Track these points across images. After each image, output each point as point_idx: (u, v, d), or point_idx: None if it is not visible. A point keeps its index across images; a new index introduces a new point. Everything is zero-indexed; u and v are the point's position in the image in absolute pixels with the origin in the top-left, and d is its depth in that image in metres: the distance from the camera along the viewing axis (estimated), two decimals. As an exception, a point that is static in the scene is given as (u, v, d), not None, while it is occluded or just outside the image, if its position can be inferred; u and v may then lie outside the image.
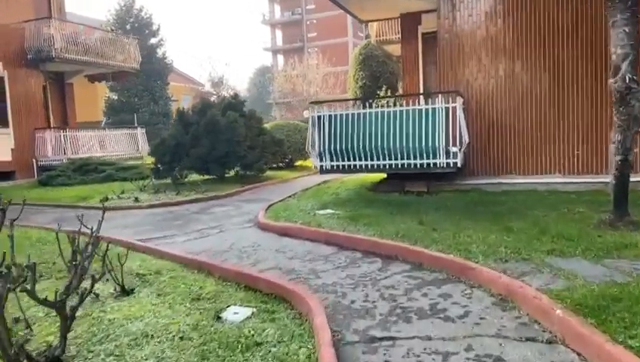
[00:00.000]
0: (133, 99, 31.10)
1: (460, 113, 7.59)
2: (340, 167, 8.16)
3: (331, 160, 8.22)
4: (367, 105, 8.24)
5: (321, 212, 6.94)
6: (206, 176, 12.27)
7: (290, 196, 8.98)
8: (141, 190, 10.54)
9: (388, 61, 21.40)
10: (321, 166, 8.34)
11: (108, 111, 30.53)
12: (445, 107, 7.64)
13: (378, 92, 20.79)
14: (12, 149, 14.60)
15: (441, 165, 7.63)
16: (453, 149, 7.62)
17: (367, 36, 24.24)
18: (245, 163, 11.50)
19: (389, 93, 16.39)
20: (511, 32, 8.15)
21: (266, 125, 16.20)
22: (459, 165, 7.61)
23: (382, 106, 8.28)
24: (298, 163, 15.93)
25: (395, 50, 16.42)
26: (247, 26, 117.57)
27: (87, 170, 13.46)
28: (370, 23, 16.66)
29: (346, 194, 8.59)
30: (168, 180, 11.47)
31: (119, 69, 17.92)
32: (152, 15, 34.05)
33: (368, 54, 21.41)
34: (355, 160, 8.04)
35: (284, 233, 6.13)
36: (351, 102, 12.97)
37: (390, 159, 7.84)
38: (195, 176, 12.39)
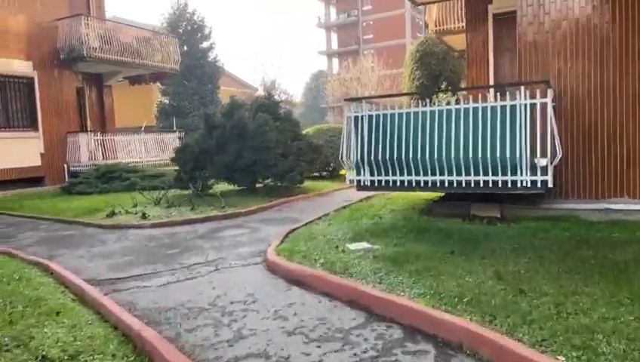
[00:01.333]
0: (183, 103, 30.70)
1: (550, 112, 5.45)
2: (384, 182, 6.24)
3: (372, 173, 6.32)
4: (420, 102, 6.27)
5: (354, 246, 5.07)
6: (235, 187, 10.76)
7: (320, 217, 7.16)
8: (156, 203, 9.16)
9: (448, 58, 19.03)
10: (359, 181, 6.46)
11: (159, 116, 30.34)
12: (530, 103, 5.51)
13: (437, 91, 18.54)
14: (42, 154, 13.90)
15: (524, 184, 5.49)
16: (542, 162, 5.46)
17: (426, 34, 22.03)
18: (275, 172, 9.83)
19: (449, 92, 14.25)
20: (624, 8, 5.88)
21: (308, 130, 14.54)
22: (550, 184, 5.44)
23: (439, 104, 6.29)
24: (342, 172, 14.08)
25: (458, 42, 14.18)
26: (303, 30, 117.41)
27: (110, 178, 12.40)
28: (429, 12, 14.55)
29: (391, 218, 6.64)
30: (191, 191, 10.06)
31: (157, 70, 16.99)
32: (204, 18, 33.65)
33: (426, 51, 19.17)
34: (402, 174, 6.08)
35: (295, 280, 4.33)
36: (398, 99, 10.97)
37: (450, 174, 5.81)
38: (223, 186, 10.92)
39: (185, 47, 30.92)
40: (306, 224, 6.63)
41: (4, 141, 12.93)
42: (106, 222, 7.70)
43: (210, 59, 32.75)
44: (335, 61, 56.19)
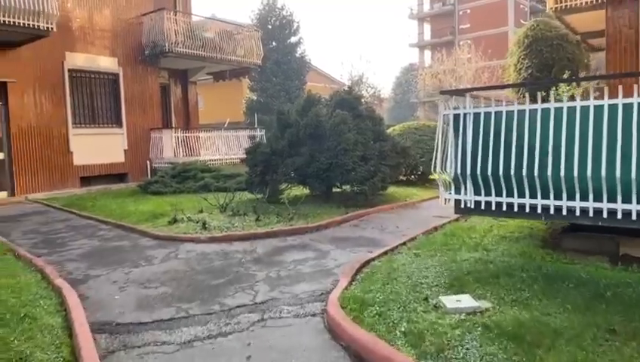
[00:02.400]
0: (270, 100, 30.50)
1: None
2: (494, 206, 4.57)
3: (477, 192, 4.69)
4: (527, 96, 4.52)
5: (451, 302, 3.55)
6: (308, 191, 9.61)
7: (405, 243, 5.66)
8: (221, 210, 8.28)
9: (564, 44, 16.21)
10: (459, 201, 4.87)
11: (247, 112, 30.47)
12: None
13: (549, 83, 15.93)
14: (125, 150, 13.92)
15: None
16: None
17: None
18: (353, 179, 8.48)
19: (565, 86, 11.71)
20: None
21: (395, 127, 12.96)
22: None
23: (568, 98, 4.46)
24: (434, 176, 12.32)
25: (585, 23, 11.66)
26: (393, 22, 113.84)
27: (185, 177, 11.90)
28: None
29: (502, 252, 4.96)
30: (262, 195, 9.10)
31: (239, 65, 16.42)
32: (292, 13, 33.16)
33: (537, 36, 16.48)
34: (522, 195, 4.38)
35: (364, 356, 2.95)
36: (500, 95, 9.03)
37: (598, 199, 4.01)
38: (296, 191, 9.82)
39: (273, 43, 30.68)
40: (385, 252, 5.19)
41: (90, 137, 13.07)
42: (163, 233, 6.91)
43: (297, 55, 32.20)
44: (427, 53, 53.25)
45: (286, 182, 9.36)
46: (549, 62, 16.22)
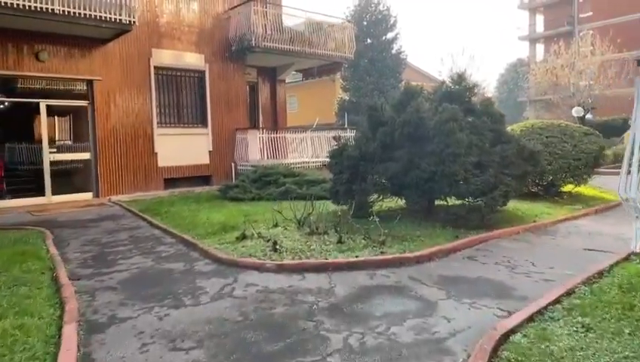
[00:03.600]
0: (362, 99, 28.97)
1: None
2: None
3: None
4: None
5: None
6: (404, 204, 7.88)
7: (559, 299, 3.71)
8: (299, 225, 6.89)
9: None
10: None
11: (339, 113, 29.32)
12: None
13: None
14: (209, 151, 13.27)
15: None
16: None
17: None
18: (464, 191, 6.59)
19: None
20: None
21: (512, 126, 10.65)
22: None
23: None
24: (566, 188, 9.85)
25: None
26: (500, 14, 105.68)
27: (266, 182, 10.78)
28: None
29: None
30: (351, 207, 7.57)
31: (330, 60, 15.08)
32: (389, 7, 31.33)
33: None
34: None
35: None
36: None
37: None
38: (389, 203, 8.17)
39: (368, 40, 29.17)
40: (531, 317, 3.34)
41: (175, 137, 12.57)
42: (226, 253, 5.68)
43: (393, 51, 30.30)
44: (539, 47, 47.94)
45: (377, 193, 7.73)
46: None
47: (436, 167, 6.54)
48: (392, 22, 30.86)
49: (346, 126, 16.46)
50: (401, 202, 8.04)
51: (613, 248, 5.32)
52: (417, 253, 5.25)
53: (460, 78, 7.75)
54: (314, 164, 13.66)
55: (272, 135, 13.53)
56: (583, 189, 10.09)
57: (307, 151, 14.05)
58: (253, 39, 12.75)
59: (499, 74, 52.35)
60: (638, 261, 4.56)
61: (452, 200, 7.45)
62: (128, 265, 5.49)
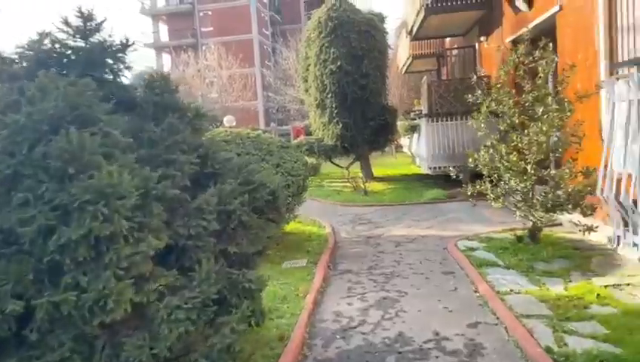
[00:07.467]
0: None
1: None
2: None
3: None
4: None
5: None
6: None
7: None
8: None
9: (374, 32, 13.06)
10: None
11: None
12: None
13: (363, 81, 12.57)
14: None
15: None
16: None
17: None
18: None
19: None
20: None
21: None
22: None
23: None
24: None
25: None
26: (122, 16, 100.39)
27: None
28: None
29: None
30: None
31: None
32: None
33: (342, 19, 12.79)
34: None
35: None
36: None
37: None
38: None
39: None
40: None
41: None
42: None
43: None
44: (166, 57, 46.26)
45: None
46: (358, 53, 12.75)
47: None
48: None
49: None
50: None
51: None
52: None
53: (86, 19, 3.07)
54: None
55: None
56: (293, 226, 7.22)
57: None
58: None
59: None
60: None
61: None
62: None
